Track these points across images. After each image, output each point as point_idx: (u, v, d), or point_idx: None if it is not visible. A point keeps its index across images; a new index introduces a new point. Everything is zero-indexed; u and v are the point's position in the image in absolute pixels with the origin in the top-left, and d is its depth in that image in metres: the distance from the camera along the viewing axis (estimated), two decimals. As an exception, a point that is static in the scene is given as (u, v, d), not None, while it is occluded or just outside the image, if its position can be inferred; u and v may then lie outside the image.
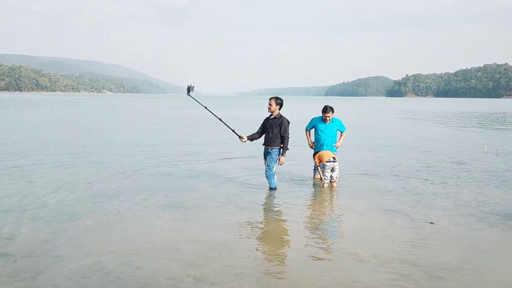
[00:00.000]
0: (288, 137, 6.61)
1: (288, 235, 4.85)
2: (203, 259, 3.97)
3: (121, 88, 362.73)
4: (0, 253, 4.04)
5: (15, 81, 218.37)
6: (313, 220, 5.42)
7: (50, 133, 16.06)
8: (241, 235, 4.74)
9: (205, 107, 7.15)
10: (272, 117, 6.71)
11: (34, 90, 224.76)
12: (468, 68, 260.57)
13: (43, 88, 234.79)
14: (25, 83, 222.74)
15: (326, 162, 6.96)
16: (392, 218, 5.39)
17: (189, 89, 6.83)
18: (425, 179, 7.81)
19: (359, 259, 4.02)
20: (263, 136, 6.81)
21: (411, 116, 33.67)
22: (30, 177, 7.52)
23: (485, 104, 75.54)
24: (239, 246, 4.38)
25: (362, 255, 4.11)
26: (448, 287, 3.50)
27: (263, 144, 6.75)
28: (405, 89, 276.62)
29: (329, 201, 6.38)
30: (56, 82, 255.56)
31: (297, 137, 11.82)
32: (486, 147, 12.15)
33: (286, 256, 4.21)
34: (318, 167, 7.13)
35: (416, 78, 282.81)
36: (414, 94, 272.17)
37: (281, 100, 6.79)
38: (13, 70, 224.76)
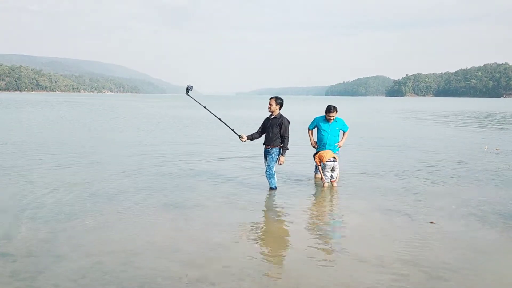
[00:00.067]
0: (288, 137, 6.60)
1: (288, 235, 4.84)
2: (203, 259, 3.96)
3: (121, 88, 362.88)
4: (0, 253, 4.04)
5: (15, 81, 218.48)
6: (313, 220, 5.41)
7: (50, 133, 16.05)
8: (241, 235, 4.73)
9: (204, 107, 7.15)
10: (272, 117, 6.70)
11: (34, 90, 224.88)
12: (468, 67, 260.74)
13: (43, 88, 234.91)
14: (25, 83, 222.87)
15: (327, 161, 6.96)
16: (393, 217, 5.39)
17: (188, 89, 6.84)
18: (426, 179, 7.80)
19: (359, 259, 4.02)
20: (263, 135, 6.80)
21: (411, 116, 33.66)
22: (30, 177, 7.52)
23: (485, 104, 75.54)
24: (239, 246, 4.37)
25: (362, 255, 4.11)
26: (448, 287, 3.49)
27: (263, 144, 6.75)
28: (405, 89, 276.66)
29: (329, 201, 6.37)
30: (56, 82, 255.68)
31: (297, 137, 11.80)
32: (486, 147, 12.14)
33: (286, 256, 4.21)
34: (319, 167, 7.13)
35: (416, 77, 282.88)
36: (414, 93, 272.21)
37: (282, 100, 6.78)
38: (13, 70, 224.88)
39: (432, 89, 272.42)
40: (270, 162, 6.61)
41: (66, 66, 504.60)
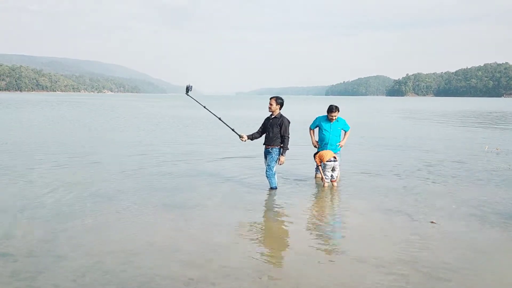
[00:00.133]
0: (288, 137, 6.60)
1: (288, 235, 4.84)
2: (203, 259, 3.96)
3: (122, 88, 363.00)
4: (1, 253, 4.04)
5: (16, 81, 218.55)
6: (314, 220, 5.41)
7: (50, 133, 16.06)
8: (241, 235, 4.73)
9: (204, 107, 7.15)
10: (272, 116, 6.70)
11: (34, 90, 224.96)
12: (469, 67, 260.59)
13: (43, 88, 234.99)
14: (25, 83, 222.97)
15: (327, 161, 6.96)
16: (393, 217, 5.38)
17: (187, 89, 6.85)
18: (426, 178, 7.80)
19: (359, 259, 4.01)
20: (264, 135, 6.80)
21: (411, 116, 33.65)
22: (30, 176, 7.52)
23: (485, 103, 75.51)
24: (239, 246, 4.37)
25: (362, 255, 4.10)
26: (448, 287, 3.49)
27: (264, 144, 6.74)
28: (405, 89, 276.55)
29: (329, 201, 6.37)
30: (56, 82, 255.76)
31: (298, 137, 11.80)
32: (487, 146, 12.14)
33: (286, 256, 4.21)
34: (319, 167, 7.12)
35: (417, 77, 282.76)
36: (415, 93, 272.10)
37: (282, 100, 6.77)
38: (13, 70, 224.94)
39: (432, 89, 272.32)
40: (270, 162, 6.61)
41: (66, 66, 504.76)
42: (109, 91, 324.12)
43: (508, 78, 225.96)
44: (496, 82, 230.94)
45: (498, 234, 4.80)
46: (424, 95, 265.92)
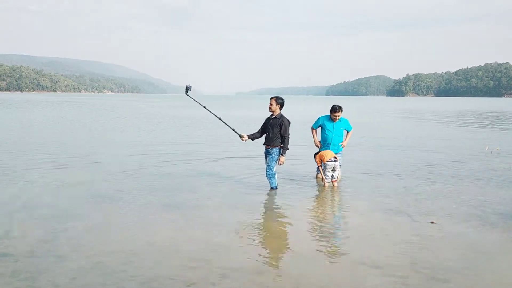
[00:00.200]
0: (289, 137, 6.59)
1: (289, 235, 4.84)
2: (203, 259, 3.96)
3: (122, 88, 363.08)
4: (1, 253, 4.05)
5: (16, 81, 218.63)
6: (314, 220, 5.40)
7: (51, 133, 16.06)
8: (241, 235, 4.73)
9: (204, 107, 7.15)
10: (273, 117, 6.70)
11: (35, 90, 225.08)
12: (469, 67, 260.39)
13: (44, 88, 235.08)
14: (26, 83, 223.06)
15: (327, 161, 6.96)
16: (393, 217, 5.38)
17: (187, 89, 6.86)
18: (426, 179, 7.79)
19: (359, 259, 4.01)
20: (264, 135, 6.80)
21: (411, 116, 33.64)
22: (30, 176, 7.52)
23: (486, 103, 75.47)
24: (239, 246, 4.37)
25: (362, 255, 4.10)
26: (448, 287, 3.48)
27: (264, 144, 6.74)
28: (406, 89, 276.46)
29: (330, 201, 6.37)
30: (57, 82, 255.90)
31: (298, 137, 11.80)
32: (487, 147, 12.13)
33: (286, 256, 4.21)
34: (320, 167, 7.12)
35: (417, 77, 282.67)
36: (415, 93, 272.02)
37: (282, 100, 6.77)
38: (14, 71, 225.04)
39: (432, 89, 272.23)
40: (270, 162, 6.61)
41: (67, 66, 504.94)
42: (110, 91, 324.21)
43: (508, 78, 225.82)
44: (497, 82, 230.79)
45: (499, 234, 4.80)
46: (425, 95, 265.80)
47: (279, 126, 6.55)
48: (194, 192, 6.61)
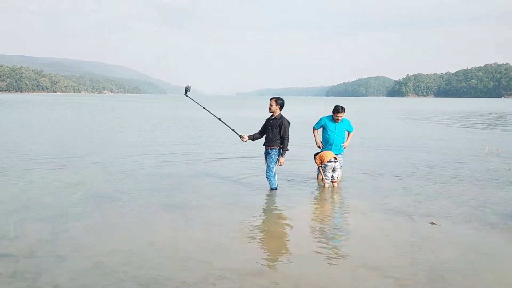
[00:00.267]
0: (288, 138, 6.59)
1: (288, 235, 4.84)
2: (203, 259, 3.97)
3: (122, 89, 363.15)
4: (1, 254, 4.05)
5: (16, 82, 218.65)
6: (314, 221, 5.41)
7: (51, 133, 16.07)
8: (241, 235, 4.73)
9: (204, 107, 7.15)
10: (273, 117, 6.70)
11: (35, 91, 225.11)
12: (469, 68, 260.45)
13: (44, 89, 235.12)
14: (26, 84, 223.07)
15: (327, 162, 6.96)
16: (393, 218, 5.38)
17: (186, 90, 6.88)
18: (426, 179, 7.80)
19: (359, 259, 4.01)
20: (265, 136, 6.80)
21: (411, 116, 33.65)
22: (30, 177, 7.53)
23: (485, 104, 75.48)
24: (239, 246, 4.37)
25: (362, 255, 4.11)
26: None
27: (264, 145, 6.75)
28: (405, 89, 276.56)
29: (330, 201, 6.37)
30: (57, 83, 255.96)
31: (298, 137, 11.81)
32: (487, 147, 12.13)
33: (286, 256, 4.20)
34: (320, 168, 7.13)
35: (417, 78, 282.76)
36: (415, 94, 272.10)
37: (282, 100, 6.77)
38: (14, 71, 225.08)
39: (432, 90, 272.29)
40: (270, 162, 6.61)
41: (67, 67, 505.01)
42: (110, 92, 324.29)
43: (508, 78, 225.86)
44: (497, 83, 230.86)
45: (499, 234, 4.80)
46: (425, 95, 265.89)
47: (279, 127, 6.56)
48: (194, 192, 6.61)
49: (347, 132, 7.56)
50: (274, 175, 6.70)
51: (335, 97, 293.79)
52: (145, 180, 7.38)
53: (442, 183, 7.46)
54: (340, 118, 7.30)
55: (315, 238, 4.71)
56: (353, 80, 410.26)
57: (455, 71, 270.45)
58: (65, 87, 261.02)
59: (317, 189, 7.00)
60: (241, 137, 6.76)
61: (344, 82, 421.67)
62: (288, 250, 4.39)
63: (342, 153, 7.40)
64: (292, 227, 5.10)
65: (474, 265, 3.94)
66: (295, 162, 9.12)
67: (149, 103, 64.76)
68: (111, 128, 18.77)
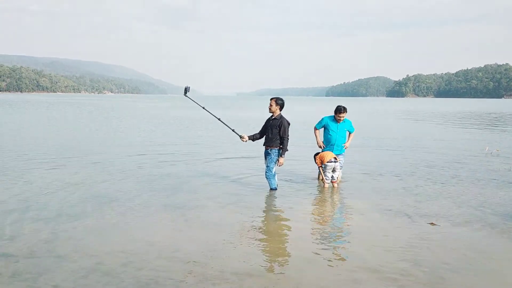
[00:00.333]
0: (288, 138, 6.59)
1: (288, 235, 4.84)
2: (203, 259, 3.97)
3: (122, 89, 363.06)
4: (1, 254, 4.05)
5: (16, 82, 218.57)
6: (314, 221, 5.41)
7: (50, 133, 16.06)
8: (241, 235, 4.73)
9: (203, 107, 7.15)
10: (272, 117, 6.70)
11: (35, 90, 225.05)
12: (469, 68, 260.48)
13: (43, 89, 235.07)
14: (26, 84, 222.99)
15: (327, 162, 6.96)
16: (393, 218, 5.39)
17: (186, 90, 6.88)
18: (426, 179, 7.80)
19: (359, 259, 4.01)
20: (264, 136, 6.80)
21: (411, 117, 33.65)
22: (30, 177, 7.52)
23: (485, 105, 75.50)
24: (239, 246, 4.37)
25: (362, 255, 4.11)
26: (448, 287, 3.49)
27: (264, 145, 6.75)
28: (405, 90, 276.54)
29: (329, 201, 6.37)
30: (56, 83, 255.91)
31: (297, 138, 11.81)
32: (487, 148, 12.13)
33: (286, 256, 4.21)
34: (320, 168, 7.13)
35: (417, 78, 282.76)
36: (415, 94, 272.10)
37: (282, 101, 6.77)
38: (14, 71, 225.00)
39: (432, 90, 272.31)
40: (269, 163, 6.61)
41: (67, 67, 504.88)
42: (110, 92, 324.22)
43: (508, 79, 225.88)
44: (497, 83, 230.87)
45: (499, 235, 4.80)
46: (425, 96, 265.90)
47: (278, 127, 6.55)
48: (194, 192, 6.61)
49: (348, 133, 7.55)
50: (274, 175, 6.70)
51: (335, 97, 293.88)
52: (145, 180, 7.39)
53: (442, 183, 7.46)
54: (342, 118, 7.29)
55: (315, 237, 4.70)
56: (353, 80, 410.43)
57: (455, 72, 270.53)
58: (65, 87, 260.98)
59: (317, 189, 7.00)
60: (241, 137, 6.75)
61: (344, 83, 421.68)
62: (288, 250, 4.39)
63: (343, 153, 7.40)
64: (291, 227, 5.10)
65: (474, 265, 3.94)
66: (295, 162, 9.12)
67: (149, 103, 64.76)
68: (111, 128, 18.77)
